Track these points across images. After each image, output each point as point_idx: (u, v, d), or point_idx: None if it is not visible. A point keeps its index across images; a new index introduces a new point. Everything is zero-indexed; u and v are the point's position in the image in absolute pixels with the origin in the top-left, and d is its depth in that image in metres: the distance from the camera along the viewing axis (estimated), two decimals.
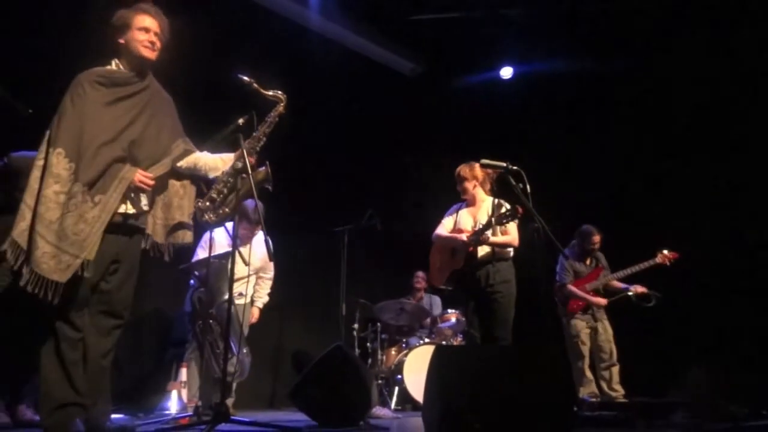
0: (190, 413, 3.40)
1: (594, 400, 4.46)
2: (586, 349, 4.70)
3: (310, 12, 5.70)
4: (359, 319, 5.28)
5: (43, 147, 2.37)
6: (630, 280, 4.83)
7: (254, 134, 2.80)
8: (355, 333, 5.22)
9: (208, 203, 2.76)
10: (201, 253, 4.05)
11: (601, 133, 5.98)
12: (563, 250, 4.21)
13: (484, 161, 3.41)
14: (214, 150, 2.82)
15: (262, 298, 4.38)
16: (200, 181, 2.77)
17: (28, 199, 2.29)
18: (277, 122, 2.85)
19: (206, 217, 2.75)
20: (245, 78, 2.76)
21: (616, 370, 4.66)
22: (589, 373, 4.69)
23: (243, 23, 5.31)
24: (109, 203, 2.35)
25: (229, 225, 3.72)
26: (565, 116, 6.16)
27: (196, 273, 3.96)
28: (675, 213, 5.36)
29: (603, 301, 4.76)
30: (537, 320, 3.72)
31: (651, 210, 5.55)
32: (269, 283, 4.41)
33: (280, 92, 2.84)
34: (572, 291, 4.79)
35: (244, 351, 3.91)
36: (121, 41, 2.48)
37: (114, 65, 2.53)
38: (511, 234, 3.75)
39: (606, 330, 4.74)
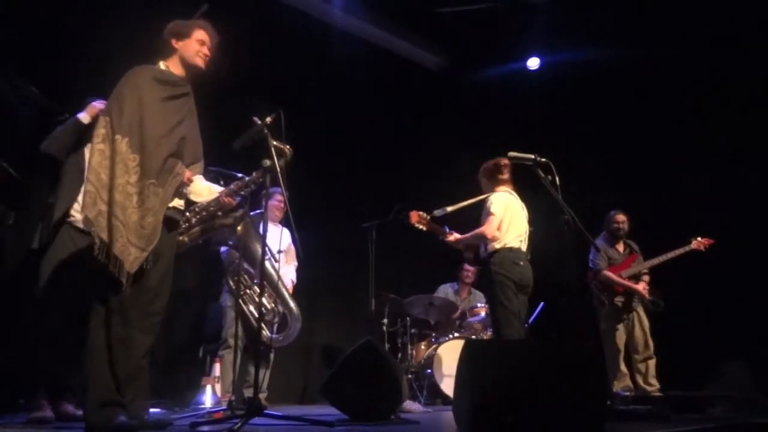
0: (224, 407, 3.47)
1: (628, 394, 4.39)
2: (621, 342, 4.63)
3: (334, 9, 5.71)
4: (388, 313, 5.29)
5: (104, 131, 2.39)
6: (664, 266, 4.73)
7: (244, 179, 2.88)
8: (384, 328, 5.24)
9: None
10: None
11: (632, 121, 5.86)
12: (594, 242, 4.14)
13: (512, 154, 3.39)
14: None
15: (289, 278, 4.48)
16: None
17: (95, 182, 2.31)
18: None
19: None
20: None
21: (652, 363, 4.57)
22: (623, 367, 4.62)
23: (266, 21, 5.36)
24: (165, 197, 2.44)
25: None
26: (595, 105, 6.04)
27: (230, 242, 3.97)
28: (713, 201, 5.24)
29: (641, 287, 4.68)
30: (569, 313, 3.69)
31: (687, 200, 5.42)
32: (293, 269, 4.52)
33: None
34: (609, 276, 4.72)
35: (294, 312, 3.90)
36: (176, 46, 2.65)
37: (162, 66, 2.65)
38: (484, 225, 3.76)
39: (642, 322, 4.65)
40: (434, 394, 5.04)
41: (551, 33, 6.13)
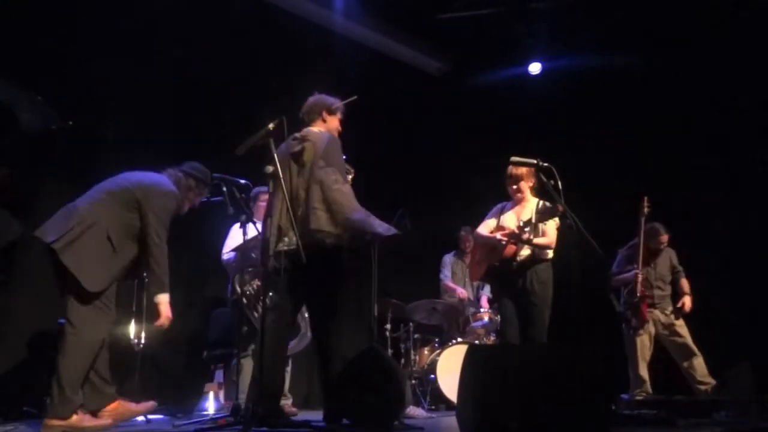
0: (227, 413, 3.46)
1: (640, 398, 4.35)
2: (642, 348, 4.59)
3: (335, 14, 5.72)
4: (391, 319, 5.27)
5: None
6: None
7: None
8: (387, 333, 5.22)
9: None
10: (231, 243, 4.09)
11: (633, 126, 5.85)
12: (598, 248, 4.11)
13: (515, 159, 3.38)
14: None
15: None
16: None
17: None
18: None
19: None
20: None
21: (697, 362, 4.51)
22: (643, 372, 4.57)
23: (267, 27, 5.38)
24: None
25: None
26: (596, 110, 6.04)
27: (253, 255, 3.99)
28: (716, 205, 5.22)
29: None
30: (572, 318, 3.66)
31: (691, 206, 5.40)
32: None
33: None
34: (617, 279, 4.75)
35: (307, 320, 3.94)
36: (326, 118, 3.27)
37: (316, 129, 3.17)
38: (548, 235, 3.72)
39: (675, 328, 4.63)
40: (438, 399, 5.02)
41: (553, 38, 6.14)
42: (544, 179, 3.24)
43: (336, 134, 3.19)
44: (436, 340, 5.47)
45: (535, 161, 3.27)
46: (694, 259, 4.86)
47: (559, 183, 3.16)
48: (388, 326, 5.24)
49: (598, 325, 4.78)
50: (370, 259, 4.86)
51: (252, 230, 3.79)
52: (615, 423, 2.58)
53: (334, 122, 3.27)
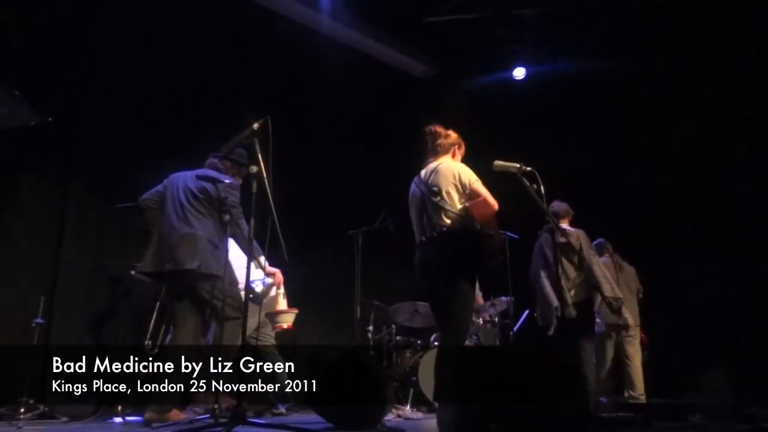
0: (206, 416, 3.43)
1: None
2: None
3: (322, 16, 5.72)
4: (374, 321, 5.27)
5: None
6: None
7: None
8: (369, 335, 5.22)
9: None
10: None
11: (616, 131, 5.93)
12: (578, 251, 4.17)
13: (498, 162, 3.39)
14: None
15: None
16: None
17: None
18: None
19: None
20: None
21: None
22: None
23: (256, 28, 5.36)
24: None
25: None
26: (579, 115, 6.11)
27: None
28: (697, 209, 5.30)
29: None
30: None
31: (670, 210, 5.48)
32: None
33: None
34: None
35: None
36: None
37: None
38: None
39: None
40: (419, 401, 5.02)
41: (537, 44, 6.21)
42: (527, 183, 3.26)
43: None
44: (418, 342, 5.48)
45: (517, 165, 3.29)
46: (671, 265, 4.93)
47: (542, 187, 3.19)
48: (371, 328, 5.23)
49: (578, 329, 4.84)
50: (353, 261, 4.87)
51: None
52: (592, 425, 2.60)
53: (565, 222, 4.25)
